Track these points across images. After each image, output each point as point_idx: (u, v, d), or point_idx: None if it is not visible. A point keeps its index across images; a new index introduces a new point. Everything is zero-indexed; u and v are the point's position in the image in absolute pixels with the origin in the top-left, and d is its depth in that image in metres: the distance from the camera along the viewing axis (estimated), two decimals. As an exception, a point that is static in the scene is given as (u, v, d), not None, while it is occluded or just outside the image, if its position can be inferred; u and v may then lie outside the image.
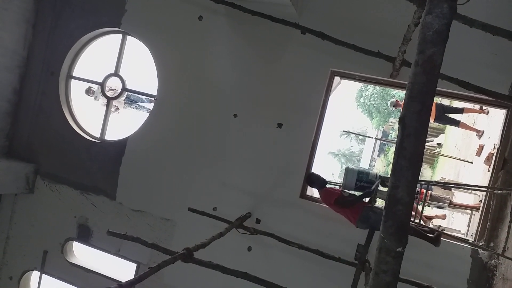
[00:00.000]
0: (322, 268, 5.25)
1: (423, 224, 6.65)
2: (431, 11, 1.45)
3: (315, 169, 5.81)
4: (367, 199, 5.12)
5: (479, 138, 8.84)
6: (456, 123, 8.34)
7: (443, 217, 9.25)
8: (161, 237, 6.22)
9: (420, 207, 6.49)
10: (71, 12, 6.83)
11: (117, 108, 7.90)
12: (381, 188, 4.88)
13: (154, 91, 6.50)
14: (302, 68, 5.68)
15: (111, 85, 7.15)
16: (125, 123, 7.82)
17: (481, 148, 8.34)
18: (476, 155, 8.65)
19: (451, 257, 5.08)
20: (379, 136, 31.16)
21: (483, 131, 8.71)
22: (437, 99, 10.42)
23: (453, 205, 7.90)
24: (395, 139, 1.65)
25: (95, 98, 7.63)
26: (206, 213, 5.44)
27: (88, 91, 7.57)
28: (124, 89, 6.92)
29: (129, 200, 6.50)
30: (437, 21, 1.44)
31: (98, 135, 6.93)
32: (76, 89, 7.25)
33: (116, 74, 6.86)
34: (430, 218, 9.15)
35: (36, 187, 7.03)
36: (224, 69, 6.05)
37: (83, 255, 7.26)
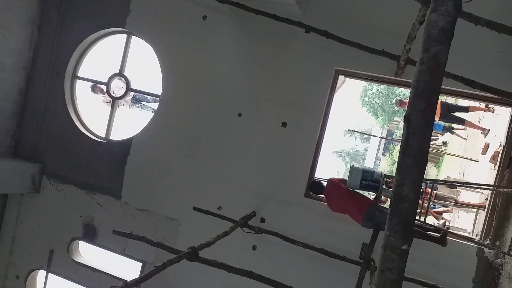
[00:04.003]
0: (327, 267, 5.24)
1: (430, 222, 6.61)
2: (436, 9, 1.45)
3: (319, 168, 5.82)
4: (373, 197, 5.11)
5: (485, 137, 8.80)
6: (461, 121, 8.31)
7: (451, 210, 9.24)
8: (166, 236, 6.24)
9: (427, 205, 6.48)
10: (76, 12, 6.86)
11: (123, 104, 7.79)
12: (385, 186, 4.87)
13: (159, 90, 6.53)
14: (306, 67, 5.67)
15: (115, 88, 7.15)
16: (130, 123, 7.84)
17: (486, 146, 8.30)
18: (481, 153, 8.61)
19: (457, 256, 5.06)
20: (384, 135, 31.08)
21: (489, 129, 8.67)
22: (442, 98, 10.36)
23: (458, 204, 7.87)
24: (400, 138, 1.65)
25: (103, 95, 7.55)
26: (211, 212, 5.45)
27: (94, 89, 7.50)
28: (129, 89, 6.95)
29: (134, 199, 6.53)
30: (442, 19, 1.44)
31: (103, 135, 6.97)
32: (82, 90, 7.28)
33: (121, 74, 6.89)
34: (440, 213, 9.15)
35: (42, 187, 7.08)
36: (228, 68, 6.06)
37: (89, 254, 7.31)
